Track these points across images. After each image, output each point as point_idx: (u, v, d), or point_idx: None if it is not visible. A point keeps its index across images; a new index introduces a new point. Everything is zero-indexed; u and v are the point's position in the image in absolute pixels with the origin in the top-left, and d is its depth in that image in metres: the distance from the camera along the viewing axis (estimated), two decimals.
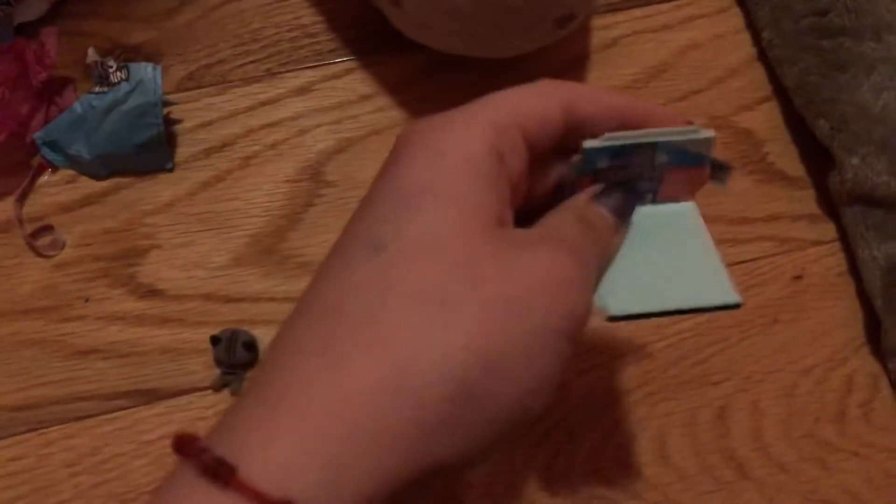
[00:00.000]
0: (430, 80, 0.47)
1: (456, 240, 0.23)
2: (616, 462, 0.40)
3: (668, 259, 0.29)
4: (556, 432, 0.40)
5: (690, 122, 0.28)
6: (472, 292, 0.23)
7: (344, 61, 0.47)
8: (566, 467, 0.39)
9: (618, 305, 0.27)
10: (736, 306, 0.28)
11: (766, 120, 0.47)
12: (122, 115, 0.41)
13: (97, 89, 0.42)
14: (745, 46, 0.49)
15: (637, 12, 0.49)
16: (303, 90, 0.46)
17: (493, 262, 0.23)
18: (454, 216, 0.24)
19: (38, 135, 0.43)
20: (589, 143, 0.27)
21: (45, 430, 0.39)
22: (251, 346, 0.39)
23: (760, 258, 0.44)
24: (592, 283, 0.26)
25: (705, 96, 0.47)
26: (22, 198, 0.43)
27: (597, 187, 0.28)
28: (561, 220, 0.27)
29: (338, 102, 0.46)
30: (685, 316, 0.39)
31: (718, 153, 0.45)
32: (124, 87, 0.41)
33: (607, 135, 0.27)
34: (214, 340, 0.39)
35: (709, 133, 0.28)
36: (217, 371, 0.40)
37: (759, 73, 0.48)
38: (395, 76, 0.47)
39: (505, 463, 0.39)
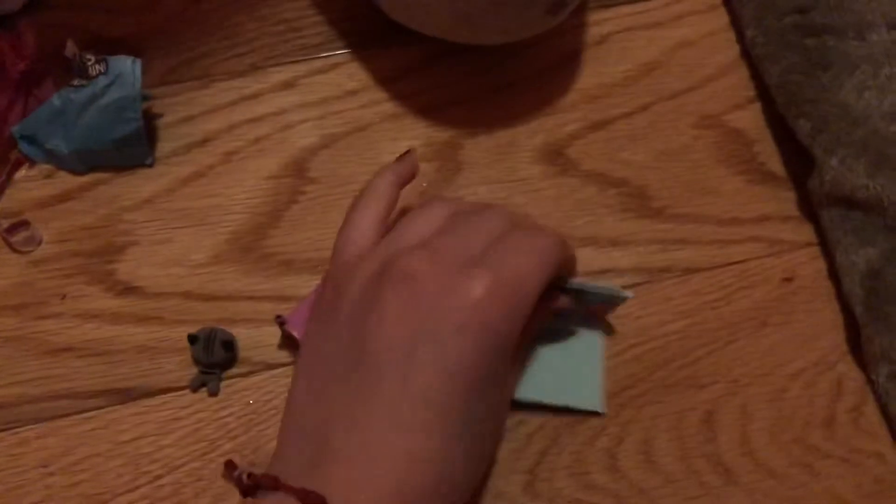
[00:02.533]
0: (417, 76, 0.46)
1: None
2: (601, 466, 0.39)
3: (560, 364, 0.40)
4: (540, 435, 0.39)
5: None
6: None
7: (329, 56, 0.46)
8: (549, 471, 0.39)
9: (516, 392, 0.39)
10: (597, 413, 0.39)
11: (756, 119, 0.46)
12: (101, 109, 0.41)
13: (76, 82, 0.41)
14: (736, 44, 0.48)
15: (628, 9, 0.49)
16: (287, 85, 0.45)
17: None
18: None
19: (15, 128, 0.42)
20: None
21: (17, 430, 0.38)
22: (229, 345, 0.39)
23: (750, 259, 0.43)
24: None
25: (697, 95, 0.47)
26: None
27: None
28: None
29: (323, 98, 0.45)
30: (673, 317, 0.42)
31: (710, 153, 0.45)
32: (102, 80, 0.40)
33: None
34: (192, 339, 0.38)
35: (628, 294, 0.39)
36: (195, 370, 0.39)
37: (749, 71, 0.48)
38: (381, 71, 0.46)
39: (494, 464, 0.39)
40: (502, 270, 0.32)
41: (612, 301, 0.39)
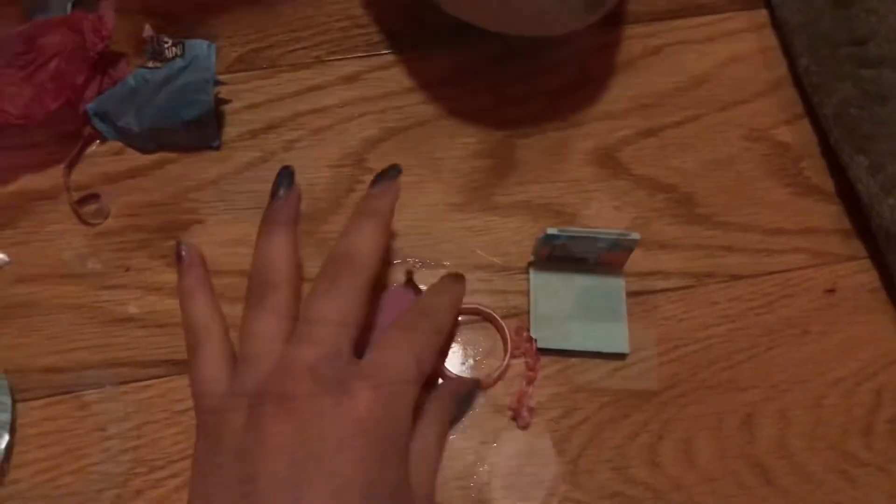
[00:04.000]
0: (475, 76, 0.48)
1: None
2: (641, 461, 0.40)
3: (589, 314, 0.42)
4: (584, 428, 0.40)
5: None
6: None
7: (391, 53, 0.48)
8: (591, 463, 0.40)
9: (545, 341, 0.42)
10: (624, 355, 0.42)
11: (803, 135, 0.48)
12: (175, 90, 0.42)
13: (150, 64, 0.43)
14: (784, 63, 0.49)
15: (682, 23, 0.50)
16: (350, 79, 0.47)
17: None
18: None
19: (90, 105, 0.43)
20: (550, 230, 0.40)
21: (79, 393, 0.39)
22: None
23: (793, 269, 0.44)
24: None
25: (746, 108, 0.48)
26: (71, 166, 0.43)
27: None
28: None
29: (383, 93, 0.47)
30: (716, 321, 0.43)
31: (758, 165, 0.46)
32: (178, 62, 0.42)
33: (564, 227, 0.40)
34: None
35: (635, 235, 0.40)
36: None
37: (797, 90, 0.49)
38: (441, 70, 0.48)
39: (529, 455, 0.40)
40: (380, 377, 0.33)
41: (622, 245, 0.41)
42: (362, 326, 0.35)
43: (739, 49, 0.50)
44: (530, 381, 0.41)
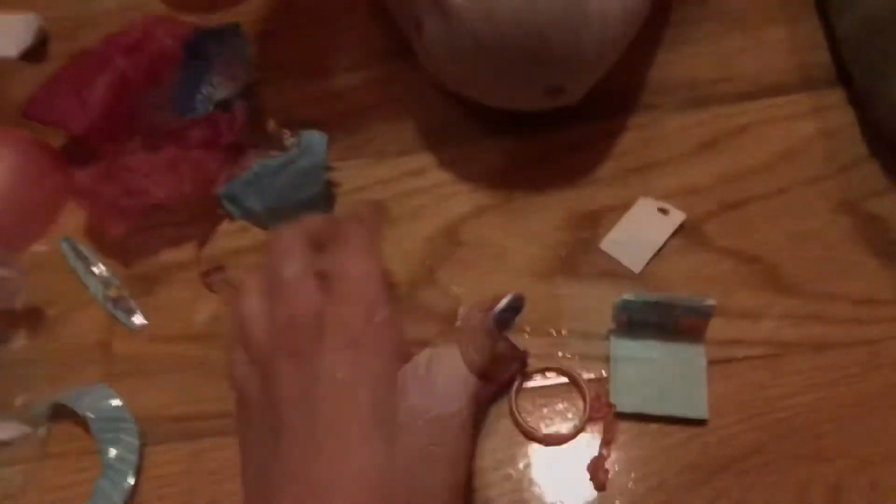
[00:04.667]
0: (561, 158, 0.51)
1: None
2: None
3: (668, 380, 0.43)
4: (660, 491, 0.41)
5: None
6: None
7: (483, 141, 0.52)
8: None
9: (623, 406, 0.43)
10: (703, 421, 0.42)
11: (894, 206, 0.47)
12: (292, 174, 0.48)
13: (273, 153, 0.49)
14: (877, 135, 0.49)
15: (768, 101, 0.51)
16: (446, 164, 0.51)
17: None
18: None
19: (221, 190, 0.50)
20: (626, 295, 0.42)
21: (197, 441, 0.44)
22: None
23: (887, 339, 0.43)
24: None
25: (834, 181, 0.48)
26: (203, 242, 0.50)
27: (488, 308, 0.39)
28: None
29: (477, 173, 0.51)
30: (802, 390, 0.43)
31: (847, 236, 0.46)
32: (295, 151, 0.48)
33: (641, 293, 0.42)
34: None
35: (711, 301, 0.41)
36: None
37: (888, 161, 0.49)
38: (530, 153, 0.51)
39: None
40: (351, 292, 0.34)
41: (699, 311, 0.42)
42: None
43: (827, 125, 0.50)
44: (607, 445, 0.42)
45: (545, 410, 0.44)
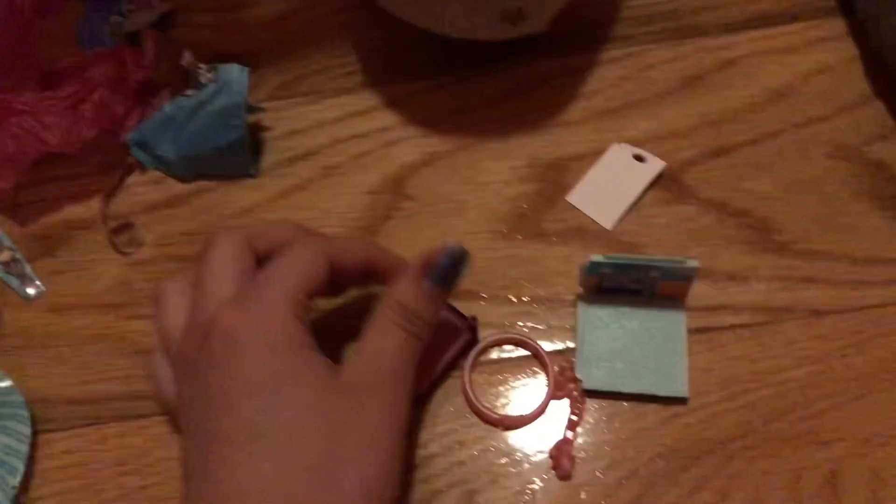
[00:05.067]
0: (522, 97, 0.45)
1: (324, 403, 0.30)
2: None
3: (643, 352, 0.38)
4: (633, 481, 0.36)
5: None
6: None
7: (436, 77, 0.46)
8: None
9: (591, 382, 0.37)
10: (684, 400, 0.37)
11: None
12: (207, 115, 0.41)
13: (189, 92, 0.43)
14: (882, 71, 0.44)
15: (759, 33, 0.46)
16: (393, 103, 0.45)
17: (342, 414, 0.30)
18: (311, 388, 0.30)
19: (129, 135, 0.43)
20: (594, 257, 0.36)
21: (100, 426, 0.38)
22: None
23: (889, 304, 0.38)
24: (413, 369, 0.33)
25: (833, 123, 0.43)
26: (109, 195, 0.43)
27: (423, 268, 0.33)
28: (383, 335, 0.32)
29: (427, 116, 0.45)
30: (795, 363, 0.38)
31: (846, 186, 0.41)
32: (211, 88, 0.41)
33: (612, 254, 0.36)
34: None
35: (693, 263, 0.35)
36: None
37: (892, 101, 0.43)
38: (486, 92, 0.45)
39: None
40: (245, 296, 0.31)
41: (678, 274, 0.36)
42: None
43: (826, 59, 0.45)
44: (573, 427, 0.37)
45: (502, 388, 0.38)
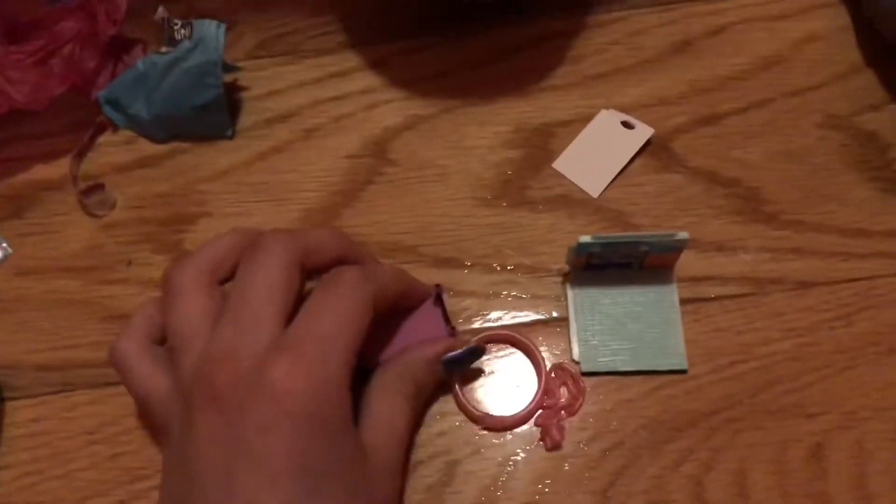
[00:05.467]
0: (509, 60, 0.44)
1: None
2: (685, 494, 0.34)
3: (638, 327, 0.37)
4: (617, 453, 0.35)
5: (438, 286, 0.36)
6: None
7: (420, 38, 0.44)
8: (625, 495, 0.34)
9: (588, 364, 0.37)
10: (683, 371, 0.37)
11: (893, 122, 0.41)
12: (182, 73, 0.40)
13: (163, 49, 0.41)
14: (876, 40, 0.43)
15: None
16: (375, 64, 0.44)
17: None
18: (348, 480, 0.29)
19: (101, 93, 0.41)
20: (582, 239, 0.34)
21: (69, 394, 0.37)
22: None
23: (877, 277, 0.38)
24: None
25: (823, 92, 0.42)
26: (79, 155, 0.42)
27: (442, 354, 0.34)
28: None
29: (410, 78, 0.43)
30: (781, 335, 0.37)
31: (836, 156, 0.40)
32: (186, 44, 0.40)
33: (600, 234, 0.37)
34: None
35: (683, 235, 0.35)
36: None
37: (889, 71, 0.42)
38: (472, 54, 0.44)
39: (557, 482, 0.34)
40: (300, 347, 0.28)
41: (668, 247, 0.36)
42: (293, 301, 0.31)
43: (817, 27, 0.44)
44: (567, 410, 0.36)
45: (498, 380, 0.37)
